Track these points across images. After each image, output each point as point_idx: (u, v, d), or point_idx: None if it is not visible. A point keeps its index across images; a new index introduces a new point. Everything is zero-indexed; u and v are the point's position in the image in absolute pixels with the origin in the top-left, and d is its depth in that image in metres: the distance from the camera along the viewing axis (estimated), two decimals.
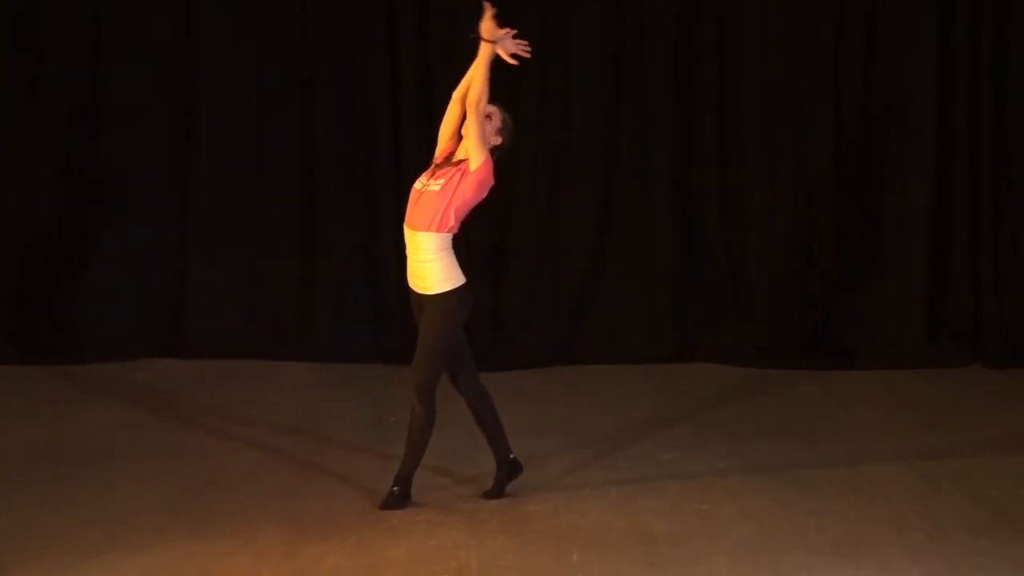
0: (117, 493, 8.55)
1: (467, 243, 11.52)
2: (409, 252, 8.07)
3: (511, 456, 8.46)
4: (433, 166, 8.16)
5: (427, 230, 7.95)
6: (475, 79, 7.95)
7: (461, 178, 7.98)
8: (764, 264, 12.27)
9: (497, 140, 8.12)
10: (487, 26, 7.93)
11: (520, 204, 12.34)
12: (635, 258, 12.32)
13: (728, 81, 12.30)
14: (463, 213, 8.04)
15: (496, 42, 7.93)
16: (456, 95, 8.16)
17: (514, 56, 8.02)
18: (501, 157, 8.17)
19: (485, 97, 7.95)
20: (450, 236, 8.02)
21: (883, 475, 8.86)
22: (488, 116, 8.05)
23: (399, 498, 8.13)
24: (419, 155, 10.99)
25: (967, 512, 8.14)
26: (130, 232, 12.47)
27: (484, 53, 7.95)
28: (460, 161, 8.06)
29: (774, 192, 12.26)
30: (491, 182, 8.05)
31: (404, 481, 8.16)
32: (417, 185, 8.10)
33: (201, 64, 12.51)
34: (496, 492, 8.41)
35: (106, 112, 12.50)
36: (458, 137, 8.19)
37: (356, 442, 9.60)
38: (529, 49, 8.01)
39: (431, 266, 7.98)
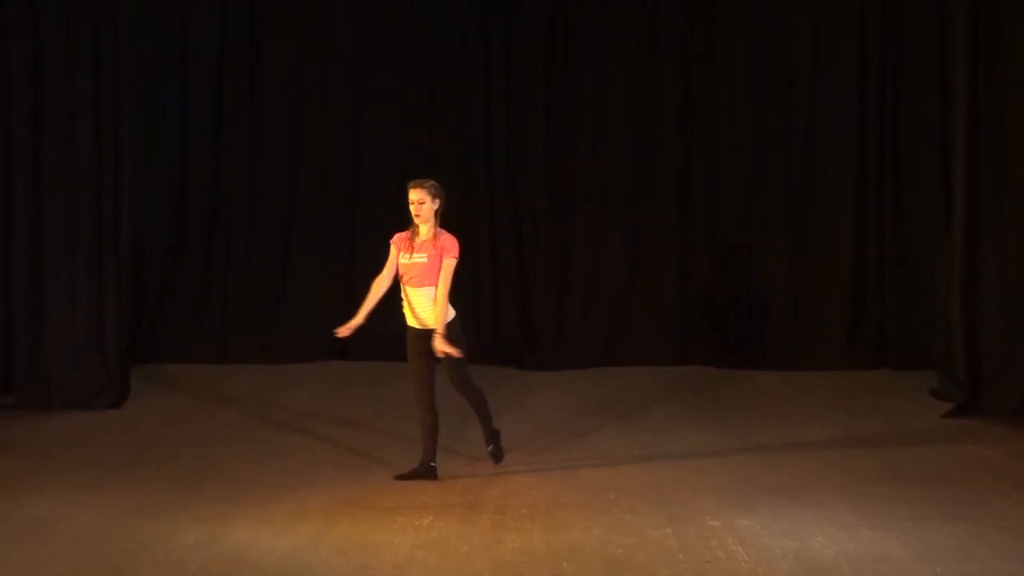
0: (302, 452, 8.61)
1: (536, 288, 11.77)
2: (414, 302, 7.65)
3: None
4: (408, 243, 7.67)
5: (427, 286, 7.59)
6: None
7: (440, 258, 7.58)
8: (734, 301, 12.01)
9: (436, 204, 7.64)
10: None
11: (575, 264, 12.16)
12: (647, 297, 12.09)
13: (709, 182, 12.09)
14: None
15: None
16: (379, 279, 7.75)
17: None
18: (443, 212, 7.74)
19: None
20: None
21: (816, 442, 8.81)
22: (422, 202, 7.60)
23: (496, 442, 8.09)
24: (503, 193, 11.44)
25: (873, 467, 8.13)
26: (311, 270, 12.22)
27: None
28: (434, 238, 7.64)
29: (733, 253, 12.05)
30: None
31: (494, 436, 8.08)
32: (404, 260, 7.63)
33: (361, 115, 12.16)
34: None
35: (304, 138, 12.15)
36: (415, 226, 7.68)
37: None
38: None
39: (434, 309, 7.62)
